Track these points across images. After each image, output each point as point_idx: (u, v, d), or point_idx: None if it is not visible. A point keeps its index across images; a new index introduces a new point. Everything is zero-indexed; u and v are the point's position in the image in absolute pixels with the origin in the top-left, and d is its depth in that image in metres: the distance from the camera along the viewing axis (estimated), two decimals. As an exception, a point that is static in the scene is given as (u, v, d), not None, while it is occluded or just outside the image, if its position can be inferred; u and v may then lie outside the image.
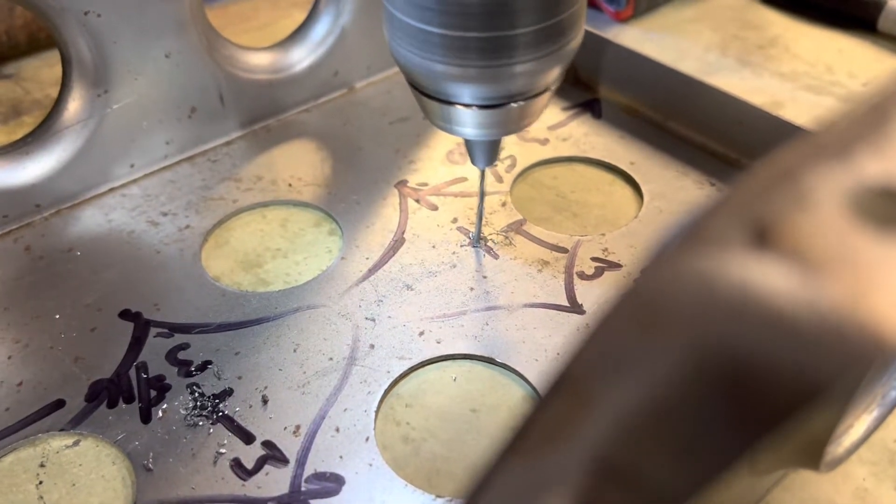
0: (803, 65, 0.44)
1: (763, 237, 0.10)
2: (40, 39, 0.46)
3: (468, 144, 0.30)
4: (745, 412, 0.09)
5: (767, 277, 0.09)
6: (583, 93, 0.43)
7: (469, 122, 0.27)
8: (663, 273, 0.10)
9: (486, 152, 0.30)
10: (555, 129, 0.41)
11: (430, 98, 0.27)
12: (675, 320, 0.10)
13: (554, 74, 0.27)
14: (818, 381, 0.08)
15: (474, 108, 0.27)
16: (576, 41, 0.26)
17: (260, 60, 0.40)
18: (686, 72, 0.39)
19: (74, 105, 0.35)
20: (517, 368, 0.29)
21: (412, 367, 0.29)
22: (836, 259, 0.09)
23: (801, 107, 0.39)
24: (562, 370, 0.11)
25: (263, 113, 0.41)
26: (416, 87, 0.28)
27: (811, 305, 0.09)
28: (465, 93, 0.26)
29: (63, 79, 0.35)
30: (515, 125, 0.28)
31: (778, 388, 0.09)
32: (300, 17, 0.49)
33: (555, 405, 0.10)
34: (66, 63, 0.35)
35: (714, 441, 0.09)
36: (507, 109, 0.27)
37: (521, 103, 0.27)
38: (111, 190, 0.37)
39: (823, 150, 0.11)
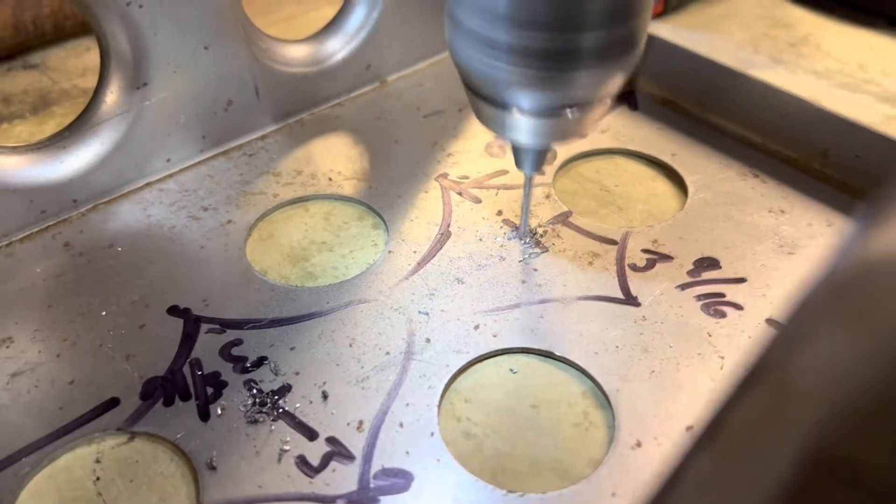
0: (836, 63, 0.44)
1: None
2: (66, 28, 0.45)
3: (517, 150, 0.29)
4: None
5: None
6: (617, 85, 0.43)
7: (524, 128, 0.27)
8: (862, 259, 0.10)
9: (534, 159, 0.29)
10: (592, 121, 0.41)
11: (485, 101, 0.27)
12: (883, 310, 0.10)
13: (615, 83, 0.26)
14: None
15: (530, 114, 0.26)
16: (639, 50, 0.26)
17: (295, 53, 0.40)
18: (727, 63, 0.39)
19: (112, 98, 0.35)
20: (577, 362, 0.29)
21: (470, 362, 0.29)
22: None
23: (838, 104, 0.39)
24: (757, 360, 0.11)
25: (298, 106, 0.40)
26: (471, 88, 0.27)
27: None
28: (524, 99, 0.26)
29: (101, 71, 0.34)
30: (571, 133, 0.27)
31: None
32: (326, 9, 0.48)
33: (756, 396, 0.10)
34: (104, 55, 0.34)
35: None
36: (562, 118, 0.27)
37: (577, 114, 0.26)
38: (147, 184, 0.37)
39: None
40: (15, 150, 0.34)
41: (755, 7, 0.51)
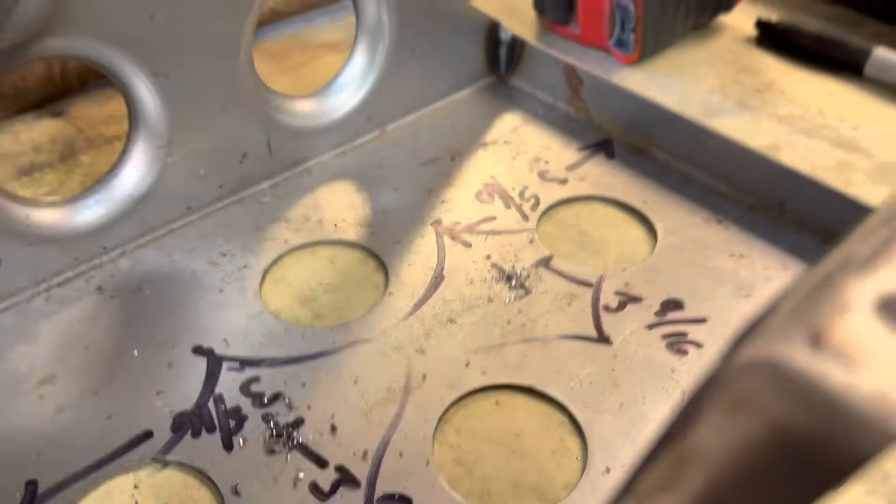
0: (798, 108, 0.48)
1: (817, 339, 0.14)
2: (89, 79, 0.49)
3: None
4: (814, 474, 0.13)
5: (825, 371, 0.13)
6: (596, 133, 0.47)
7: None
8: (742, 363, 0.14)
9: None
10: (573, 168, 0.45)
11: None
12: (756, 404, 0.14)
13: None
14: (865, 452, 0.12)
15: None
16: None
17: (303, 107, 0.43)
18: (691, 117, 0.43)
19: (138, 156, 0.38)
20: (556, 397, 0.33)
21: (461, 396, 0.33)
22: (869, 356, 0.13)
23: (796, 150, 0.43)
24: (664, 433, 0.15)
25: (305, 156, 0.44)
26: None
27: (857, 394, 0.13)
28: None
29: (129, 132, 0.38)
30: None
31: (839, 457, 0.13)
32: (329, 58, 0.52)
33: (661, 462, 0.14)
34: (132, 118, 0.38)
35: (790, 496, 0.13)
36: None
37: None
38: (170, 231, 0.40)
39: (853, 264, 0.15)
40: (51, 204, 0.37)
41: (726, 52, 0.55)
